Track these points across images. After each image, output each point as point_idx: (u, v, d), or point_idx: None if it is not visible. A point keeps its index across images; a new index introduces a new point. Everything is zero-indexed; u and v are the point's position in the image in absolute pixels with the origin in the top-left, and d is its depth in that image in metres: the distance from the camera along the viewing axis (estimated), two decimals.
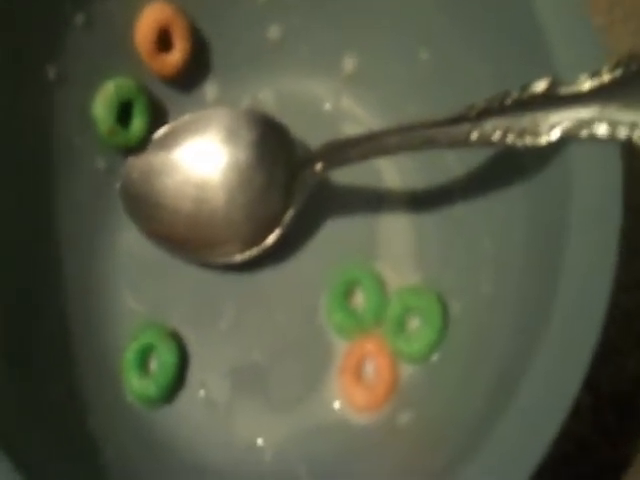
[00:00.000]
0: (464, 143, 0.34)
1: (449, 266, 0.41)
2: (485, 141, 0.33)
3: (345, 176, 0.42)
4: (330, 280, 0.42)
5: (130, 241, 0.43)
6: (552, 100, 0.32)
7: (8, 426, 0.32)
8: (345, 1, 0.42)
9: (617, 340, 0.34)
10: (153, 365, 0.41)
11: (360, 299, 0.41)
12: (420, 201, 0.42)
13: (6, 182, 0.38)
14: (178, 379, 0.41)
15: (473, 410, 0.34)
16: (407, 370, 0.40)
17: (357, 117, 0.44)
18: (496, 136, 0.33)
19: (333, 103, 0.44)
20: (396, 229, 0.42)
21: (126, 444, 0.39)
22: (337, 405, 0.40)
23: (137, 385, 0.40)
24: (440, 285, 0.40)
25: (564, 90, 0.32)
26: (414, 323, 0.40)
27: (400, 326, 0.40)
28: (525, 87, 0.33)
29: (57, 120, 0.40)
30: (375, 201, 0.43)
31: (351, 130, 0.43)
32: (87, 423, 0.38)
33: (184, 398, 0.41)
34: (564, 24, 0.33)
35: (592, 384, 0.30)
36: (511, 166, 0.37)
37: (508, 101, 0.33)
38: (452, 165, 0.40)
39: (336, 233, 0.43)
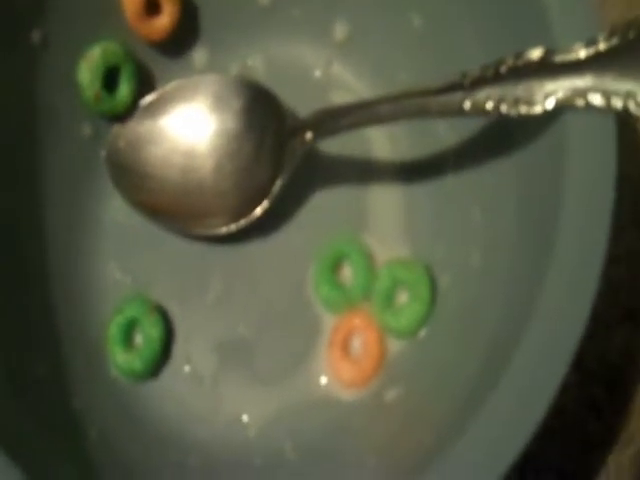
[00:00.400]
0: (457, 112, 0.33)
1: (439, 238, 0.40)
2: (479, 110, 0.32)
3: (334, 146, 0.41)
4: (318, 253, 0.41)
5: (116, 210, 0.42)
6: (547, 68, 0.31)
7: None
8: None
9: (603, 313, 0.33)
10: (138, 339, 0.40)
11: (348, 273, 0.41)
12: (410, 172, 0.41)
13: None
14: (163, 353, 0.40)
15: (462, 385, 0.33)
16: (395, 345, 0.39)
17: (348, 85, 0.43)
18: (490, 105, 0.32)
19: (323, 70, 0.44)
20: (385, 201, 0.41)
21: (111, 419, 0.38)
22: (324, 380, 0.40)
23: (122, 359, 0.39)
24: (429, 258, 0.40)
25: (559, 58, 0.31)
26: (402, 297, 0.39)
27: (388, 300, 0.39)
28: (520, 55, 0.32)
29: (41, 85, 0.39)
30: (365, 172, 0.42)
31: (341, 98, 0.43)
32: (72, 398, 0.37)
33: (169, 372, 0.40)
34: None
35: (577, 358, 0.29)
36: (503, 136, 0.36)
37: (502, 69, 0.32)
38: (443, 135, 0.40)
39: (324, 205, 0.42)
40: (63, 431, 0.36)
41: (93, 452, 0.36)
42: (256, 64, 0.44)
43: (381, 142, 0.42)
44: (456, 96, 0.33)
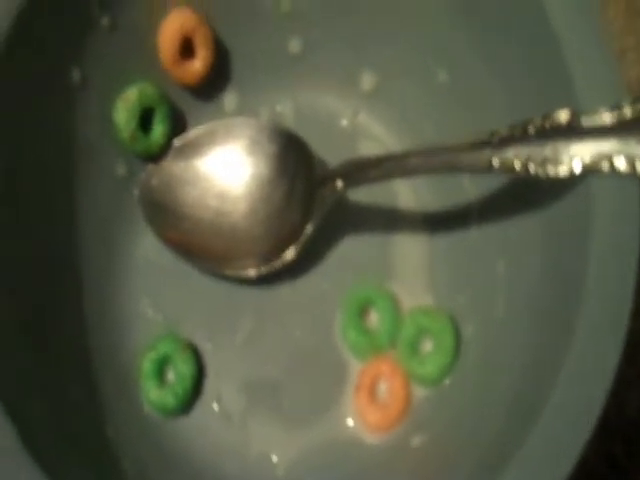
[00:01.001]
0: (486, 169, 0.34)
1: (462, 288, 0.40)
2: (507, 169, 0.33)
3: (361, 195, 0.42)
4: (345, 298, 0.42)
5: (148, 248, 0.42)
6: (574, 131, 0.32)
7: (34, 431, 0.32)
8: (366, 19, 0.42)
9: (622, 368, 0.34)
10: (170, 375, 0.41)
11: (375, 318, 0.41)
12: (435, 222, 0.42)
13: (29, 183, 0.37)
14: (194, 390, 0.41)
15: (487, 435, 0.34)
16: (420, 392, 0.40)
17: (374, 134, 0.44)
18: (517, 164, 0.33)
19: (350, 119, 0.44)
20: (410, 250, 0.42)
21: (142, 452, 0.39)
22: (351, 423, 0.40)
23: (155, 395, 0.40)
24: (453, 307, 0.40)
25: (585, 122, 0.32)
26: (427, 345, 0.40)
27: (414, 348, 0.40)
28: (547, 116, 0.32)
29: (80, 124, 0.40)
30: (390, 221, 0.43)
31: (367, 147, 0.44)
32: (105, 430, 0.38)
33: (200, 409, 0.41)
34: (586, 55, 0.33)
35: None
36: (528, 193, 0.36)
37: (530, 129, 0.33)
38: (468, 187, 0.40)
39: (352, 251, 0.42)
40: (98, 458, 0.36)
41: None
42: (285, 110, 0.44)
43: (406, 193, 0.42)
44: (485, 154, 0.34)
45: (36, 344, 0.36)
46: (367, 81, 0.44)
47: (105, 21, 0.39)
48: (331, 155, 0.41)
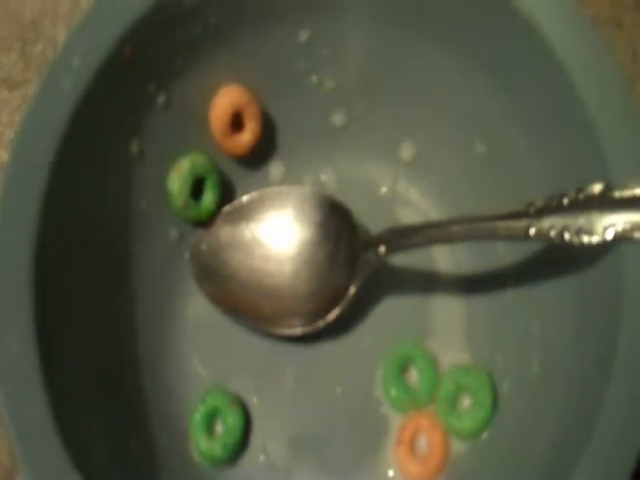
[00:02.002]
0: (523, 237, 0.34)
1: (499, 348, 0.41)
2: (543, 237, 0.34)
3: (401, 258, 0.42)
4: (386, 356, 0.42)
5: (198, 308, 0.43)
6: (606, 202, 0.33)
7: (96, 477, 0.33)
8: (405, 93, 0.43)
9: None
10: (219, 427, 0.41)
11: (414, 375, 0.41)
12: (471, 284, 0.42)
13: (90, 247, 0.38)
14: (242, 442, 0.41)
15: None
16: (459, 446, 0.40)
17: (412, 202, 0.44)
18: (553, 233, 0.34)
19: (390, 187, 0.45)
20: (448, 310, 0.42)
21: None
22: (391, 474, 0.40)
23: (204, 445, 0.40)
24: (490, 365, 0.41)
25: (618, 194, 0.33)
26: (466, 401, 0.40)
27: (452, 404, 0.40)
28: (581, 189, 0.33)
29: (137, 191, 0.40)
30: (428, 283, 0.43)
31: (405, 214, 0.44)
32: (159, 478, 0.38)
33: (247, 460, 0.41)
34: (618, 131, 0.34)
35: None
36: (563, 257, 0.37)
37: (565, 200, 0.34)
38: (503, 252, 0.41)
39: (391, 311, 0.43)
40: None
41: None
42: (328, 178, 0.45)
43: (444, 256, 0.43)
44: (522, 222, 0.34)
45: (100, 401, 0.37)
46: (406, 151, 0.44)
47: (161, 99, 0.40)
48: (371, 220, 0.42)
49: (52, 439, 0.32)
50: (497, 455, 0.38)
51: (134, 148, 0.40)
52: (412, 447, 0.40)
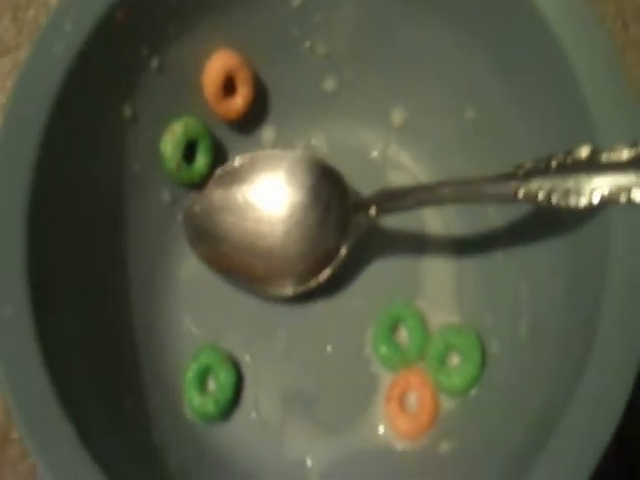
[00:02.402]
0: (511, 200, 0.35)
1: (488, 308, 0.41)
2: (531, 199, 0.34)
3: (392, 219, 0.42)
4: (376, 316, 0.42)
5: (191, 269, 0.43)
6: (594, 165, 0.33)
7: (92, 434, 0.33)
8: (396, 59, 0.42)
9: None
10: (211, 385, 0.41)
11: (404, 334, 0.42)
12: (461, 246, 0.42)
13: (85, 207, 0.38)
14: (234, 399, 0.41)
15: (512, 443, 0.35)
16: (448, 402, 0.40)
17: (403, 165, 0.44)
18: (541, 195, 0.34)
19: (380, 151, 0.45)
20: (438, 271, 0.42)
21: (186, 455, 0.39)
22: (382, 430, 0.40)
23: (197, 402, 0.40)
24: (479, 324, 0.41)
25: (605, 157, 0.33)
26: (455, 359, 0.41)
27: (441, 362, 0.40)
28: (569, 152, 0.33)
29: (129, 155, 0.40)
30: (419, 244, 0.43)
31: (396, 177, 0.44)
32: (153, 434, 0.38)
33: (239, 417, 0.41)
34: (606, 95, 0.34)
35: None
36: (551, 219, 0.37)
37: (553, 163, 0.34)
38: (493, 213, 0.41)
39: (382, 272, 0.43)
40: (146, 458, 0.37)
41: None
42: (319, 143, 0.45)
43: (434, 219, 0.43)
44: (511, 185, 0.34)
45: (94, 360, 0.37)
46: (397, 116, 0.44)
47: (154, 63, 0.40)
48: (362, 184, 0.41)
49: (47, 397, 0.32)
50: (486, 412, 0.38)
51: (127, 112, 0.40)
52: (402, 404, 0.40)
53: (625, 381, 0.31)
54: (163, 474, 0.37)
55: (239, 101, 0.42)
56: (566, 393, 0.32)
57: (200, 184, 0.43)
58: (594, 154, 0.33)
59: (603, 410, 0.31)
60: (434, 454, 0.39)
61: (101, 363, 0.37)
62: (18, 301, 0.33)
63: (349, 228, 0.40)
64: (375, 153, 0.45)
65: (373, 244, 0.43)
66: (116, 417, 0.36)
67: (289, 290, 0.42)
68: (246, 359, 0.42)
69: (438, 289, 0.42)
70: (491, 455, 0.36)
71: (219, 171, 0.43)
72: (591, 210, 0.34)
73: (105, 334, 0.38)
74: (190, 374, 0.40)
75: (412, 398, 0.40)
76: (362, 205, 0.40)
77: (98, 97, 0.38)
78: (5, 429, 0.43)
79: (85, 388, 0.35)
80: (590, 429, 0.31)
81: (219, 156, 0.43)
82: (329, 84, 0.44)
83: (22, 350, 0.33)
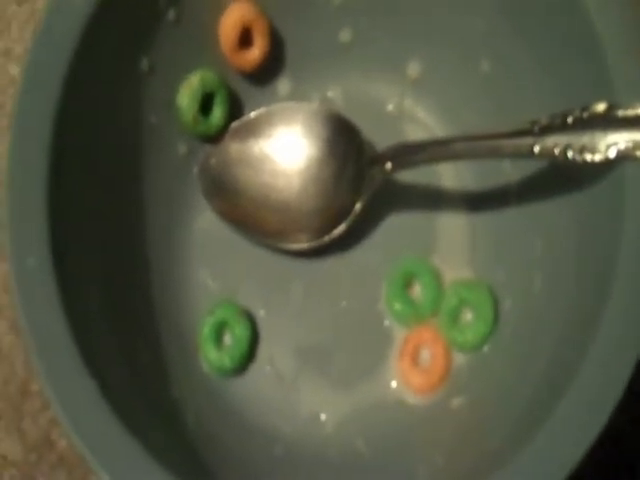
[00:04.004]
0: (527, 155, 0.35)
1: (501, 264, 0.41)
2: (547, 154, 0.34)
3: (407, 175, 0.42)
4: (390, 271, 0.42)
5: (207, 222, 0.43)
6: (610, 121, 0.33)
7: (112, 387, 0.34)
8: (413, 11, 0.42)
9: None
10: (227, 339, 0.42)
11: (418, 290, 0.42)
12: (476, 201, 0.43)
13: (101, 161, 0.38)
14: (249, 353, 0.42)
15: (523, 400, 0.35)
16: (460, 358, 0.41)
17: (418, 119, 0.44)
18: (557, 150, 0.34)
19: (396, 105, 0.45)
20: (452, 226, 0.43)
21: (202, 408, 0.40)
22: (394, 385, 0.41)
23: (213, 356, 0.41)
24: (492, 281, 0.41)
25: (621, 113, 0.33)
26: (467, 315, 0.41)
27: (454, 318, 0.41)
28: (585, 108, 0.33)
29: (146, 107, 0.41)
30: (433, 200, 0.43)
31: (411, 131, 0.44)
32: (170, 387, 0.39)
33: (254, 371, 0.42)
34: (623, 51, 0.34)
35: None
36: (566, 177, 0.37)
37: (569, 119, 0.34)
38: (508, 169, 0.41)
39: (397, 228, 0.43)
40: (164, 410, 0.38)
41: (191, 434, 0.38)
42: (335, 96, 0.45)
43: (449, 174, 0.43)
44: (527, 140, 0.35)
45: (112, 314, 0.37)
46: (413, 69, 0.44)
47: (171, 14, 0.40)
48: (378, 137, 0.42)
49: (69, 348, 0.33)
50: (498, 368, 0.39)
51: (144, 64, 0.40)
52: (415, 359, 0.41)
53: (637, 340, 0.32)
54: (180, 427, 0.38)
55: (255, 52, 0.42)
56: (578, 351, 0.32)
57: (216, 137, 0.43)
58: (610, 110, 0.33)
59: (614, 367, 0.31)
60: (446, 409, 0.39)
61: (120, 317, 0.38)
62: (40, 253, 0.34)
63: (365, 183, 0.41)
64: (390, 106, 0.45)
65: (388, 200, 0.43)
66: (134, 370, 0.37)
67: (304, 244, 0.42)
68: (261, 314, 0.42)
69: (452, 245, 0.42)
70: (503, 411, 0.36)
71: (235, 124, 0.43)
72: (606, 168, 0.34)
73: (123, 287, 0.39)
74: (206, 329, 0.41)
75: (425, 354, 0.41)
76: (378, 159, 0.40)
77: (116, 49, 0.38)
78: (25, 382, 0.44)
79: (105, 340, 0.36)
80: (602, 386, 0.31)
81: (235, 109, 0.43)
82: (345, 35, 0.44)
83: (44, 302, 0.33)
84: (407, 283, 0.42)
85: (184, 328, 0.42)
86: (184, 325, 0.42)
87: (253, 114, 0.43)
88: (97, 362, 0.34)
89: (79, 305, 0.34)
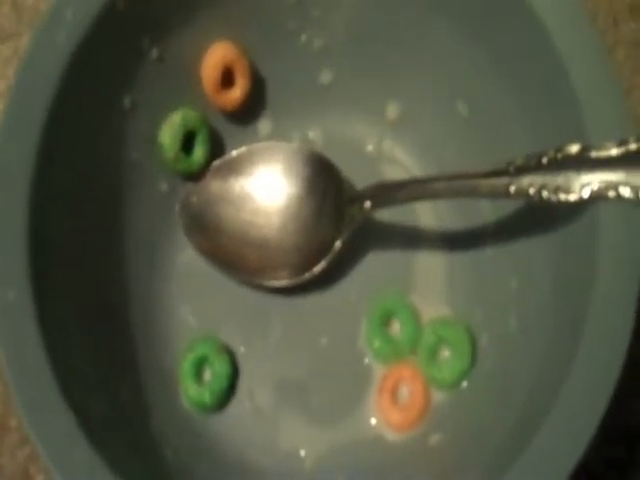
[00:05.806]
0: (503, 195, 0.35)
1: (478, 302, 0.42)
2: (522, 194, 0.35)
3: (386, 214, 0.43)
4: (369, 308, 0.43)
5: (187, 259, 0.44)
6: (583, 162, 0.34)
7: (91, 422, 0.34)
8: (392, 54, 0.43)
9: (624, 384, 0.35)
10: (207, 375, 0.42)
11: (397, 327, 0.43)
12: (453, 240, 0.43)
13: (82, 198, 0.39)
14: (229, 388, 0.42)
15: (500, 435, 0.35)
16: (439, 395, 0.41)
17: (396, 160, 0.45)
18: (532, 190, 0.35)
19: (375, 145, 0.45)
20: (430, 265, 0.43)
21: (182, 443, 0.40)
22: (374, 422, 0.41)
23: (193, 392, 0.41)
24: (470, 318, 0.42)
25: (594, 154, 0.33)
26: (445, 353, 0.41)
27: (432, 355, 0.41)
28: (559, 148, 0.34)
29: (128, 144, 0.41)
30: (411, 238, 0.44)
31: (390, 171, 0.45)
32: (150, 423, 0.39)
33: (234, 406, 0.42)
34: (596, 93, 0.35)
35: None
36: (541, 215, 0.38)
37: (544, 160, 0.34)
38: (484, 209, 0.42)
39: (376, 265, 0.44)
40: (143, 446, 0.38)
41: (170, 468, 0.38)
42: (315, 135, 0.45)
43: (427, 213, 0.44)
44: (503, 180, 0.35)
45: (93, 349, 0.38)
46: (392, 110, 0.45)
47: (154, 53, 0.41)
48: (357, 177, 0.42)
49: (48, 382, 0.33)
50: (476, 405, 0.39)
51: (126, 102, 0.40)
52: (394, 396, 0.41)
53: (610, 376, 0.32)
54: (159, 461, 0.38)
55: (237, 92, 0.43)
56: (554, 386, 0.32)
57: (197, 175, 0.43)
58: (584, 151, 0.33)
59: (589, 403, 0.32)
60: (424, 446, 0.40)
61: (100, 351, 0.38)
62: (20, 286, 0.34)
63: (344, 221, 0.41)
64: (370, 147, 0.45)
65: (367, 237, 0.43)
66: (114, 405, 0.37)
67: (284, 281, 0.42)
68: (241, 350, 0.43)
69: (430, 283, 0.43)
70: (480, 447, 0.36)
71: (216, 162, 0.43)
72: (580, 207, 0.34)
73: (103, 323, 0.39)
74: (186, 364, 0.41)
75: (404, 391, 0.41)
76: (357, 198, 0.40)
77: (98, 87, 0.38)
78: (3, 417, 0.44)
79: (85, 375, 0.36)
80: (576, 422, 0.32)
81: (216, 147, 0.44)
82: (325, 77, 0.45)
83: (23, 335, 0.34)
84: (386, 321, 0.42)
85: (164, 364, 0.42)
86: (164, 361, 0.42)
87: (234, 153, 0.44)
88: (77, 396, 0.34)
89: (59, 340, 0.35)
